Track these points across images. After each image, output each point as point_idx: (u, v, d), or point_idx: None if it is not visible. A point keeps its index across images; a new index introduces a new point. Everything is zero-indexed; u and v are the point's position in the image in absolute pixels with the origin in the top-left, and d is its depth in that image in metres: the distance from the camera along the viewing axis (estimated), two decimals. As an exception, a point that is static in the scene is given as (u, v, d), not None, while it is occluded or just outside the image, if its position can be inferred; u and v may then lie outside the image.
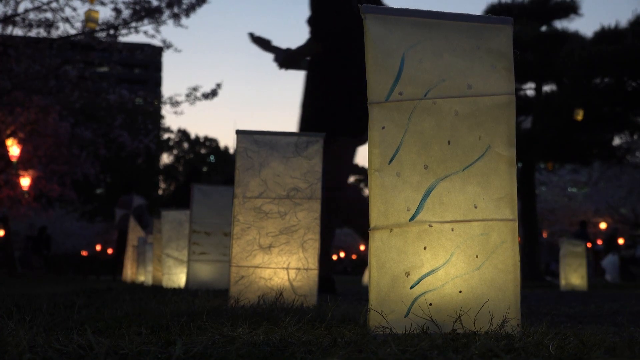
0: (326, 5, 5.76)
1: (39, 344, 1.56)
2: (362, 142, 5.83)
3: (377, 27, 2.01)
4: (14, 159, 14.13)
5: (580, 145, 15.02)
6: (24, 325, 1.90)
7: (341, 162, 5.73)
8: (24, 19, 11.71)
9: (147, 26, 13.45)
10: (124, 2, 12.07)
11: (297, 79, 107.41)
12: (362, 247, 42.00)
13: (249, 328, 1.93)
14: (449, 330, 1.92)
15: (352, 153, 5.86)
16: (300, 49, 5.94)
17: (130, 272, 11.00)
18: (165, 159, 54.32)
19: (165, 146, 53.38)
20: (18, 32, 12.18)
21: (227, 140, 70.20)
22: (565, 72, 15.07)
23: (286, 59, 6.02)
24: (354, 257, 42.13)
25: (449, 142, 1.99)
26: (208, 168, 53.11)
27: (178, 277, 6.83)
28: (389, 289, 1.95)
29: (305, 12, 5.94)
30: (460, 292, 1.96)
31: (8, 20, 11.59)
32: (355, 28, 5.33)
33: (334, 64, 5.71)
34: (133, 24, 12.31)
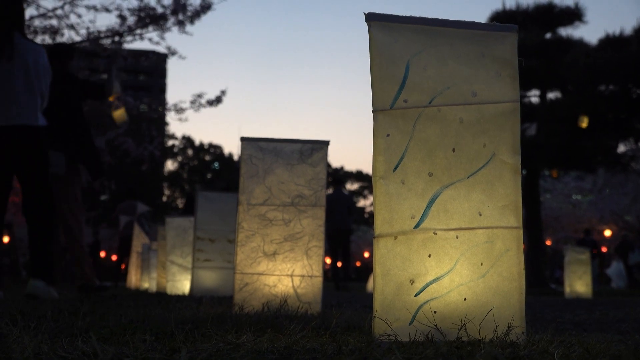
0: None
1: (44, 351, 1.57)
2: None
3: (382, 34, 2.01)
4: (19, 166, 14.13)
5: (584, 152, 14.99)
6: (28, 332, 1.90)
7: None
8: (29, 26, 11.74)
9: (151, 33, 13.44)
10: (129, 9, 12.11)
11: (301, 84, 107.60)
12: (366, 254, 42.00)
13: (254, 335, 1.93)
14: (453, 338, 1.91)
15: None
16: None
17: (135, 278, 11.00)
18: (170, 165, 54.38)
19: (170, 153, 53.42)
20: (23, 39, 12.20)
21: (232, 147, 70.29)
22: (570, 79, 15.07)
23: None
24: (358, 264, 42.08)
25: (453, 150, 1.99)
26: (212, 175, 53.16)
27: (182, 284, 6.83)
28: (393, 296, 1.94)
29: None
30: (464, 299, 1.96)
31: (14, 27, 11.62)
32: None
33: None
34: (138, 31, 12.34)
